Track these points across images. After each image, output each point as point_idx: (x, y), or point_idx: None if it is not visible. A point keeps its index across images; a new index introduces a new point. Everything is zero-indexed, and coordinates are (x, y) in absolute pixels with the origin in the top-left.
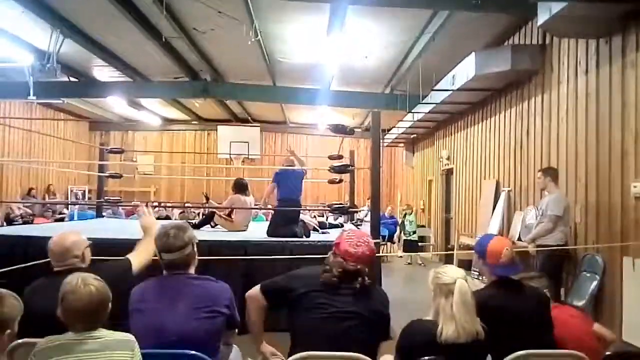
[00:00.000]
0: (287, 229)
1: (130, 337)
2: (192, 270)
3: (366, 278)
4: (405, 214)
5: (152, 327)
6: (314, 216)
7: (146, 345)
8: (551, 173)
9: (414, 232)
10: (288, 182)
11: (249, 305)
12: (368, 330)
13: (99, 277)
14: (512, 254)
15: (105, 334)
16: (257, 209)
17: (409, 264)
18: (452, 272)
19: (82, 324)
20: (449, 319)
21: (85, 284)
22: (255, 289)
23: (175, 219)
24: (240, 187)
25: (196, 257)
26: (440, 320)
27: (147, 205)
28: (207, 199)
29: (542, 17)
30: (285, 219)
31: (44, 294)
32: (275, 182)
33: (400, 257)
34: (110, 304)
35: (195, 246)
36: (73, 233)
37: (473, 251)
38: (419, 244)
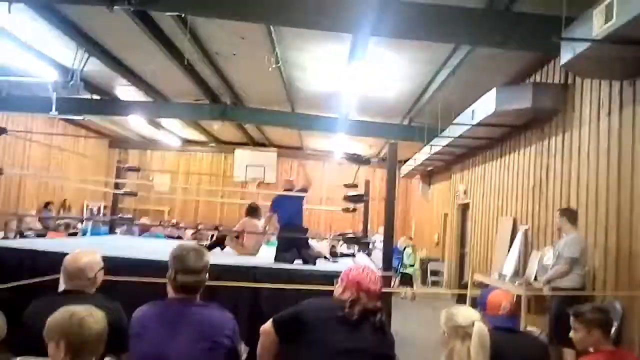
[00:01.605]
0: (290, 254)
1: None
2: (197, 295)
3: (383, 316)
4: (405, 247)
5: (152, 355)
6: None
7: None
8: (568, 214)
9: (412, 266)
10: (287, 208)
11: (261, 339)
12: None
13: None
14: (511, 307)
15: None
16: (263, 233)
17: (402, 298)
18: (467, 314)
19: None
20: None
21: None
22: (268, 324)
23: (187, 239)
24: (252, 211)
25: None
26: None
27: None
28: (217, 229)
29: (565, 57)
30: (289, 243)
31: (49, 313)
32: (273, 210)
33: (411, 290)
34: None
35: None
36: (88, 253)
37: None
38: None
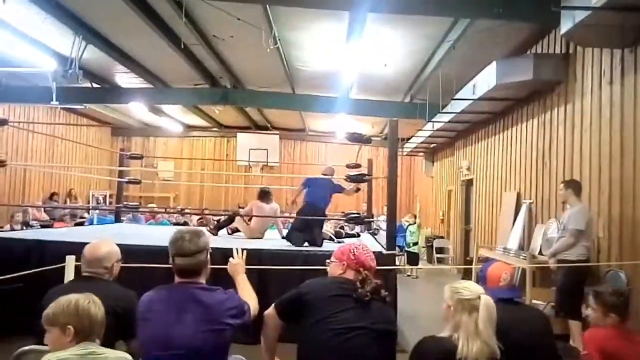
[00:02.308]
0: (303, 234)
1: (127, 356)
2: (202, 280)
3: (383, 292)
4: (409, 225)
5: (160, 339)
6: (336, 226)
7: (154, 355)
8: (573, 185)
9: (415, 244)
10: (316, 189)
11: (265, 324)
12: (377, 345)
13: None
14: (511, 278)
15: (106, 352)
16: (271, 217)
17: (408, 276)
18: (473, 287)
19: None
20: (473, 336)
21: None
22: (271, 308)
23: (194, 225)
24: (263, 194)
25: (208, 265)
26: (461, 337)
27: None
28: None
29: (565, 26)
30: (305, 223)
31: None
32: (303, 187)
33: (420, 268)
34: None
35: (208, 254)
36: (107, 244)
37: None
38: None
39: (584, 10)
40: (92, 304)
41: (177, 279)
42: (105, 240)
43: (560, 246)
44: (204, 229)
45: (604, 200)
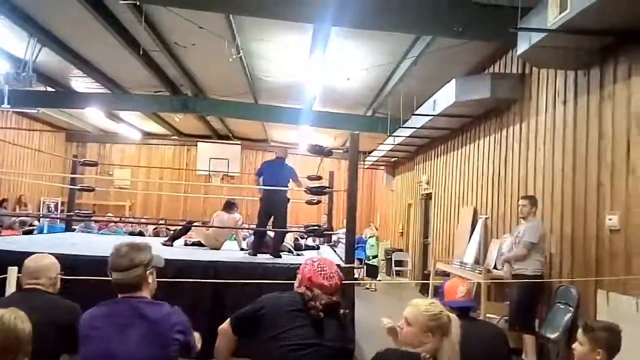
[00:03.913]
0: (266, 219)
1: None
2: (146, 294)
3: (343, 309)
4: (369, 237)
5: (100, 355)
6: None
7: None
8: (535, 202)
9: (375, 257)
10: (273, 176)
11: (219, 338)
12: None
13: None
14: (467, 291)
15: None
16: (228, 227)
17: (367, 288)
18: (440, 307)
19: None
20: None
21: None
22: (226, 323)
23: (149, 235)
24: (228, 206)
25: (150, 281)
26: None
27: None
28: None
29: (522, 47)
30: (265, 221)
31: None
32: (259, 175)
33: (374, 282)
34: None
35: (148, 269)
36: (49, 257)
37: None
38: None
39: (540, 32)
40: (17, 319)
41: (118, 295)
42: (44, 254)
43: (513, 256)
44: (153, 241)
45: (556, 217)
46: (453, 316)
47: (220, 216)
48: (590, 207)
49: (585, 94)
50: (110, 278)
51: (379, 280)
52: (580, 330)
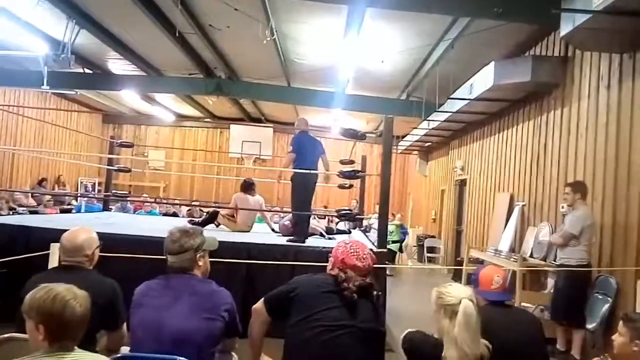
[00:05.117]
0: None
1: (104, 358)
2: (197, 274)
3: (375, 291)
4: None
5: (151, 323)
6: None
7: (144, 340)
8: (582, 189)
9: (394, 242)
10: (308, 155)
11: (253, 318)
12: (364, 344)
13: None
14: (503, 281)
15: (79, 355)
16: (257, 210)
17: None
18: (457, 292)
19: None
20: (452, 343)
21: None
22: (260, 303)
23: (183, 216)
24: (246, 186)
25: (201, 263)
26: (444, 342)
27: None
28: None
29: (565, 29)
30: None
31: None
32: (294, 152)
33: (410, 267)
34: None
35: (198, 253)
36: (85, 230)
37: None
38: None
39: (585, 14)
40: (72, 301)
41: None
42: (82, 227)
43: (552, 241)
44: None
45: (597, 205)
46: (466, 301)
47: (244, 199)
48: (632, 197)
49: (630, 79)
50: (152, 256)
51: (410, 266)
52: (620, 322)
